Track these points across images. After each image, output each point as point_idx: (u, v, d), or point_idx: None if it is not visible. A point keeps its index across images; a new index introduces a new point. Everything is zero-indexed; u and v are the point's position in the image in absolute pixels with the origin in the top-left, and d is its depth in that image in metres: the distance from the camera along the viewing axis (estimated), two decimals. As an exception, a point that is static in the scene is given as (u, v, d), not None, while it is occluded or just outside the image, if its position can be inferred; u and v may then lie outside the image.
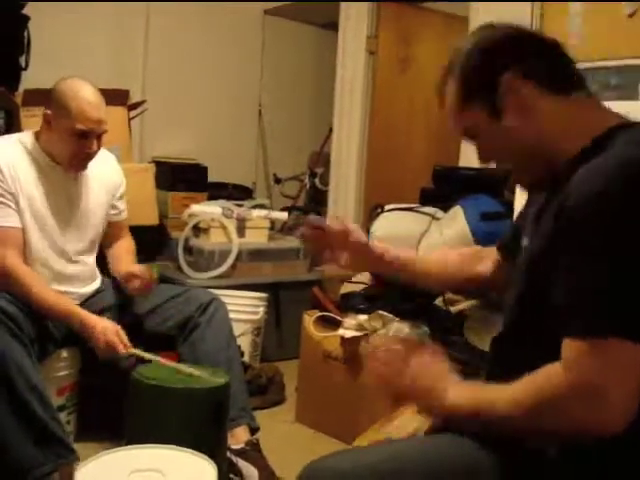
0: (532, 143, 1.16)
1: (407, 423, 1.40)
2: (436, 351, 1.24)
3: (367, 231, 2.89)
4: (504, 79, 1.14)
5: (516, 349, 1.18)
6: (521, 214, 1.40)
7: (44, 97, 2.29)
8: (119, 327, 2.16)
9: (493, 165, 1.25)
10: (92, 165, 2.33)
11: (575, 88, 1.17)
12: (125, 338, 2.14)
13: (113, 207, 2.51)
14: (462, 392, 1.15)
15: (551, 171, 1.16)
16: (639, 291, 0.97)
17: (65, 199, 2.32)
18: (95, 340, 2.13)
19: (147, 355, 2.13)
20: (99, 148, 2.28)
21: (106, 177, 2.45)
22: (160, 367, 2.05)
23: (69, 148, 2.21)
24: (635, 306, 0.97)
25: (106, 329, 2.13)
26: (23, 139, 2.28)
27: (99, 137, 2.25)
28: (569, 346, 1.01)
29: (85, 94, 2.18)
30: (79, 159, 2.26)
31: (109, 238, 2.54)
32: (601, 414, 0.98)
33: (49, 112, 2.20)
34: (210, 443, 1.83)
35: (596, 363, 0.98)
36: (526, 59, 1.15)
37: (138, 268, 2.36)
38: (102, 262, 2.53)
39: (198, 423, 1.89)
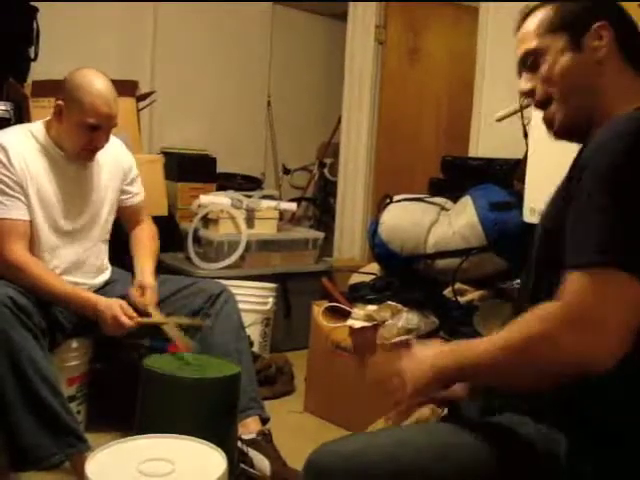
0: (588, 85, 1.22)
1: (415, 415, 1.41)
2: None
3: (376, 221, 2.89)
4: (598, 25, 1.21)
5: None
6: None
7: (53, 88, 2.29)
8: (123, 301, 2.18)
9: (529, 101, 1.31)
10: (101, 153, 2.33)
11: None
12: (130, 310, 2.16)
13: (124, 192, 2.50)
14: (443, 352, 1.18)
15: (586, 121, 1.22)
16: None
17: (76, 188, 2.33)
18: (100, 317, 2.14)
19: (154, 319, 2.15)
20: (107, 141, 2.29)
21: (116, 163, 2.45)
22: (171, 356, 2.07)
23: (78, 140, 2.22)
24: (637, 242, 0.99)
25: (110, 304, 2.15)
26: (34, 129, 2.28)
27: (108, 131, 2.26)
28: (570, 278, 1.02)
29: (98, 88, 2.18)
30: (87, 151, 2.27)
31: (127, 223, 2.55)
32: (596, 345, 0.98)
33: (61, 102, 2.20)
34: (220, 433, 1.83)
35: (596, 293, 0.99)
36: (620, 23, 1.24)
37: (152, 284, 2.33)
38: (114, 253, 2.53)
39: (209, 413, 1.89)
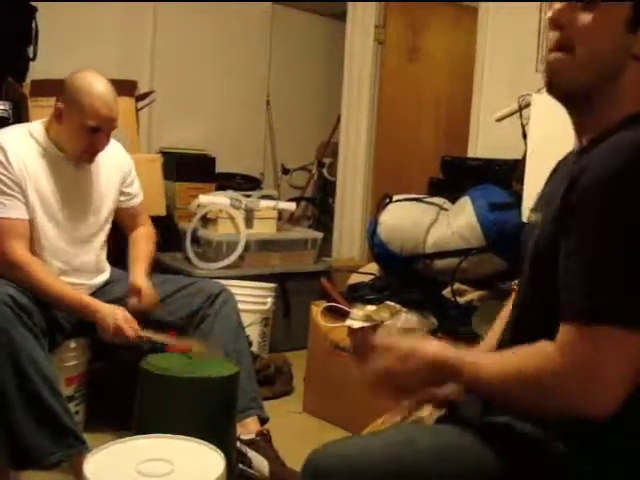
0: (613, 66, 1.13)
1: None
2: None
3: (376, 221, 2.89)
4: None
5: (528, 335, 1.18)
6: (538, 199, 1.36)
7: (52, 88, 2.28)
8: (125, 310, 2.17)
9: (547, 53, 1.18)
10: (101, 154, 2.33)
11: None
12: (133, 322, 2.15)
13: (123, 194, 2.50)
14: (446, 348, 1.15)
15: (591, 95, 1.15)
16: (635, 277, 0.97)
17: (75, 189, 2.33)
18: (101, 324, 2.14)
19: (158, 337, 2.14)
20: (108, 143, 2.29)
21: (114, 165, 2.45)
22: (169, 356, 2.06)
23: (79, 142, 2.22)
24: (630, 291, 0.97)
25: (113, 312, 2.14)
26: (32, 129, 2.28)
27: (109, 133, 2.26)
28: (563, 329, 1.02)
29: (98, 90, 2.18)
30: (87, 153, 2.27)
31: (126, 225, 2.54)
32: (589, 397, 0.98)
33: (61, 105, 2.20)
34: (219, 433, 1.83)
35: (587, 348, 0.98)
36: None
37: (145, 284, 2.32)
38: (113, 254, 2.53)
39: (207, 413, 1.88)
